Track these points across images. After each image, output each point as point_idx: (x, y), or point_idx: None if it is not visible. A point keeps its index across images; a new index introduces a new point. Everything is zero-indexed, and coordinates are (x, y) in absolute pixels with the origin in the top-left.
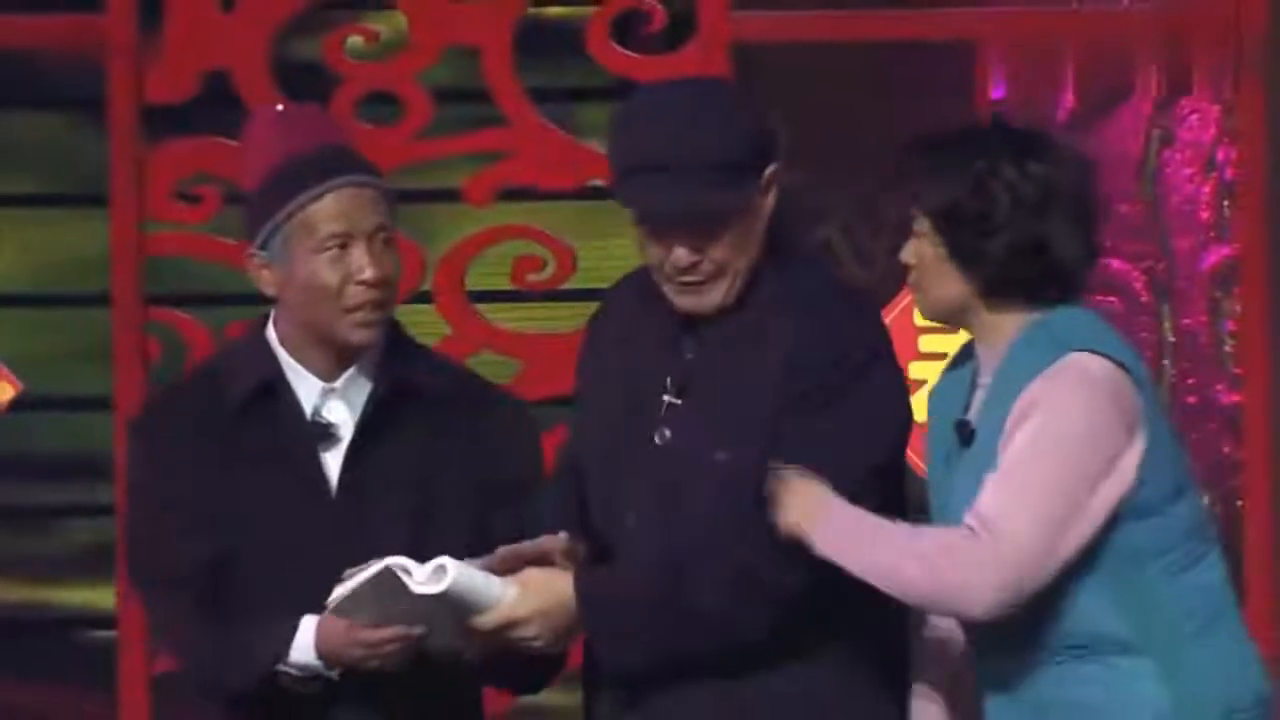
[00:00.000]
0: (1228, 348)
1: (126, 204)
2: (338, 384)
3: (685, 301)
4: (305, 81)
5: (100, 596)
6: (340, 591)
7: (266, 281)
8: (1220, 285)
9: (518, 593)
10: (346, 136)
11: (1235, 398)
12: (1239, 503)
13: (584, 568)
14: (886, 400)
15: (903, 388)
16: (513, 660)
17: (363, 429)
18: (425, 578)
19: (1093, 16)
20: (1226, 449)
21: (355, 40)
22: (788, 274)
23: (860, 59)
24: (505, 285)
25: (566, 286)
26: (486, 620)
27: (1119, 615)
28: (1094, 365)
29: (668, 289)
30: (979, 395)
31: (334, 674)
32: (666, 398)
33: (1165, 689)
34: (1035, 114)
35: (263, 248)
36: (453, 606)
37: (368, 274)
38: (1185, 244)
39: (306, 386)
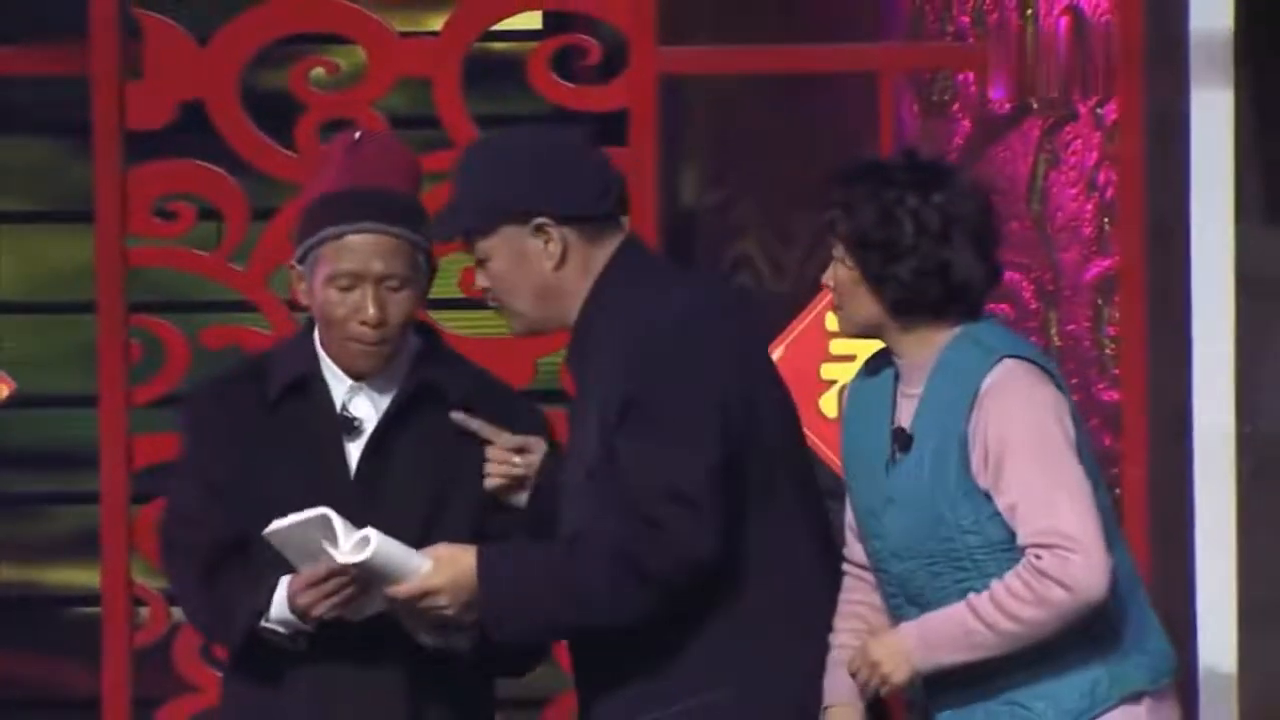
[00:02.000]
0: (1108, 351)
1: (110, 220)
2: (365, 382)
3: None
4: (272, 109)
5: (85, 576)
6: (277, 524)
7: (300, 291)
8: (1101, 294)
9: (431, 565)
10: (407, 177)
11: (1115, 396)
12: (1118, 491)
13: (488, 545)
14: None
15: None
16: (500, 648)
17: (384, 424)
18: (350, 546)
19: (983, 49)
20: (1107, 442)
21: (318, 71)
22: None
23: (777, 88)
24: (455, 293)
25: None
26: (401, 590)
27: None
28: (1026, 367)
29: None
30: (908, 404)
31: (309, 627)
32: None
33: (1097, 658)
34: (935, 139)
35: (300, 261)
36: (372, 575)
37: (367, 315)
38: (1070, 257)
39: (338, 382)
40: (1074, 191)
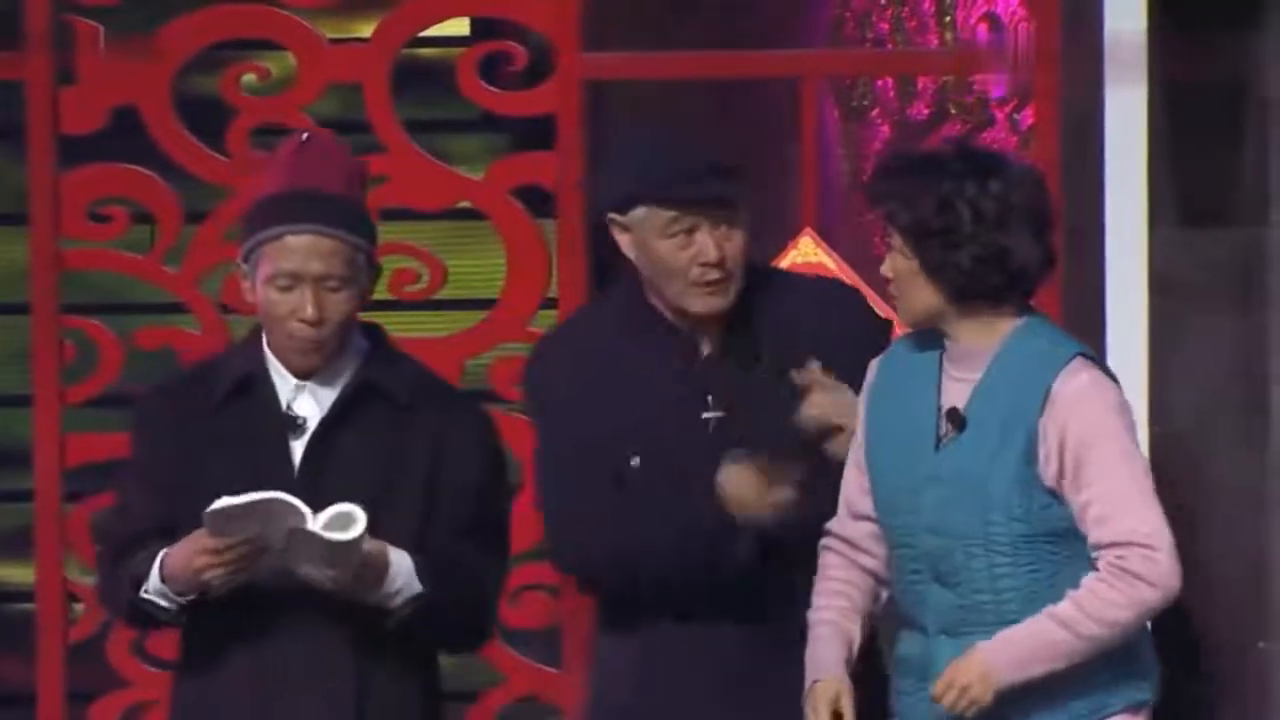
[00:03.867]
0: None
1: (45, 223)
2: (311, 381)
3: (706, 303)
4: (204, 114)
5: (20, 573)
6: (221, 503)
7: (244, 290)
8: None
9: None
10: (350, 179)
11: None
12: None
13: None
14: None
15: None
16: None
17: (327, 421)
18: (327, 520)
19: (904, 55)
20: None
21: (249, 77)
22: None
23: (701, 94)
24: (384, 295)
25: (439, 297)
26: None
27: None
28: (1098, 369)
29: (689, 294)
30: (958, 387)
31: (181, 600)
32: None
33: (1106, 669)
34: (856, 144)
35: (245, 260)
36: (327, 552)
37: (305, 314)
38: None
39: (284, 382)
40: None
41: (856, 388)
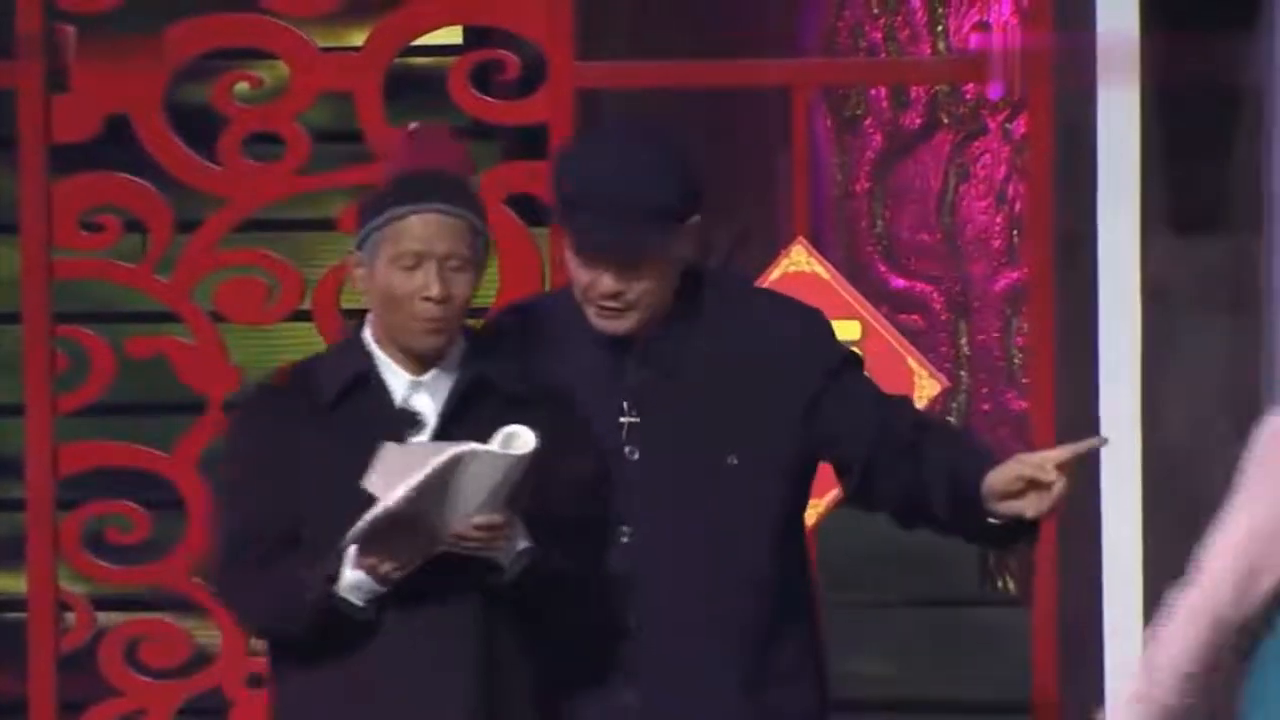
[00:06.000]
0: (1017, 361)
1: (36, 232)
2: (425, 378)
3: (604, 324)
4: (197, 123)
5: (12, 582)
6: (403, 491)
7: (357, 278)
8: (1010, 305)
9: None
10: (465, 163)
11: (1023, 405)
12: None
13: None
14: None
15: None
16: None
17: (445, 418)
18: (499, 447)
19: (896, 65)
20: (1016, 450)
21: (242, 86)
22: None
23: (694, 103)
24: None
25: None
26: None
27: None
28: None
29: (590, 310)
30: None
31: (384, 588)
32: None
33: None
34: (849, 153)
35: (360, 248)
36: (510, 467)
37: (431, 292)
38: (980, 269)
39: (396, 380)
40: (984, 205)
41: (768, 408)
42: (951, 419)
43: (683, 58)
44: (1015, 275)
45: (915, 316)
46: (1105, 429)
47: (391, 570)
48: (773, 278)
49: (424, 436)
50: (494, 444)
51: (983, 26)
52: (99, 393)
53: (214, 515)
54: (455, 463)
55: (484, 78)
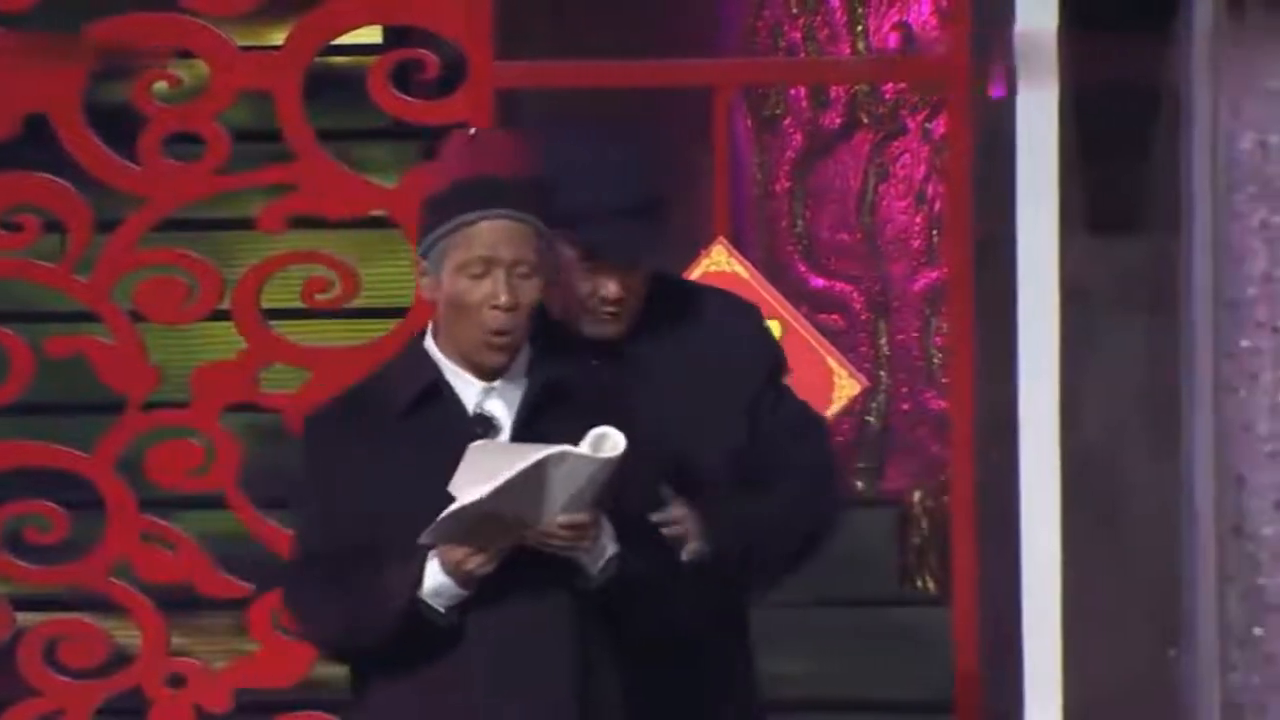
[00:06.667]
0: (936, 360)
1: None
2: (496, 384)
3: (599, 330)
4: (116, 122)
5: None
6: (490, 487)
7: (424, 286)
8: (930, 305)
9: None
10: (525, 167)
11: (943, 404)
12: (945, 496)
13: None
14: None
15: None
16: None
17: (520, 423)
18: (587, 448)
19: (816, 64)
20: (935, 449)
21: (161, 85)
22: None
23: (616, 103)
24: (296, 304)
25: (351, 305)
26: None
27: None
28: None
29: (585, 318)
30: None
31: (468, 591)
32: None
33: None
34: (769, 153)
35: (425, 255)
36: (597, 471)
37: (501, 300)
38: (899, 269)
39: (467, 387)
40: (903, 204)
41: (732, 405)
42: (872, 419)
43: (603, 57)
44: (935, 275)
45: (835, 316)
46: (1024, 428)
47: (476, 567)
48: (693, 277)
49: (501, 441)
50: (584, 446)
51: (902, 27)
52: (18, 392)
53: (291, 536)
54: (544, 465)
55: (404, 77)
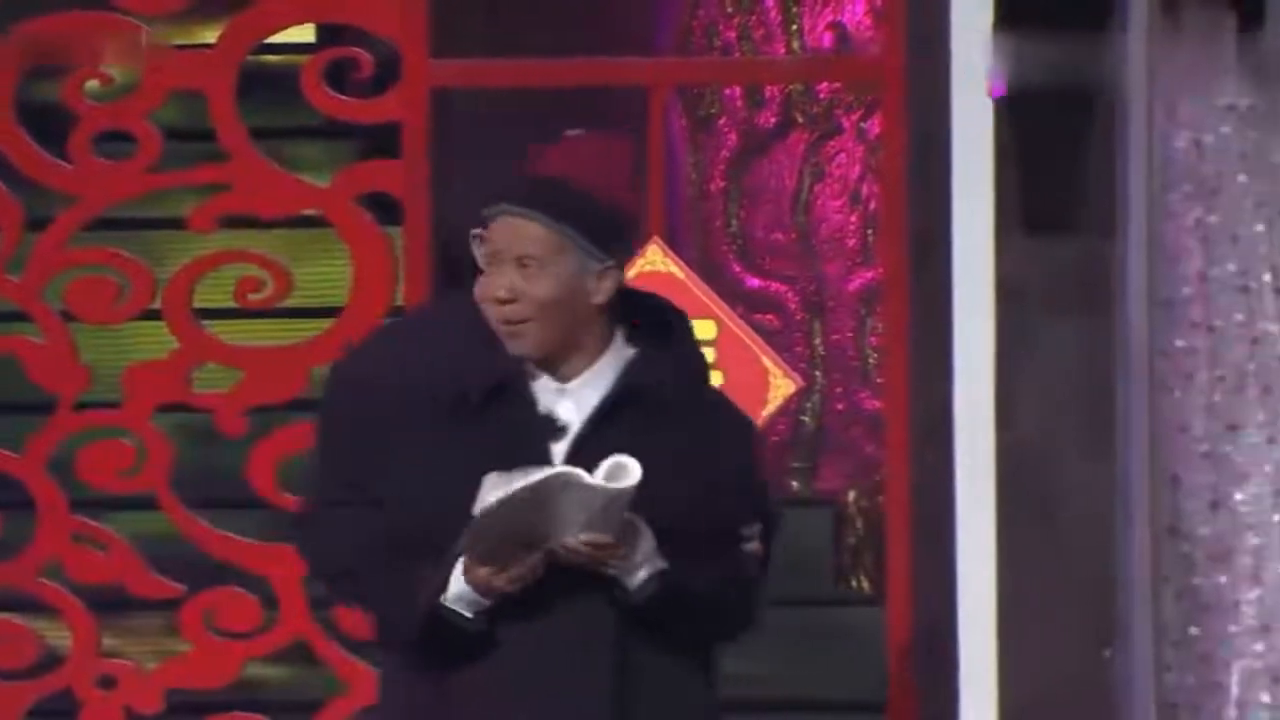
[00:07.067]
0: (871, 360)
1: None
2: (570, 385)
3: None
4: (48, 120)
5: None
6: (500, 494)
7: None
8: (865, 304)
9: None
10: (619, 174)
11: (878, 404)
12: (881, 496)
13: None
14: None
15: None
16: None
17: (589, 425)
18: (605, 474)
19: (750, 64)
20: (870, 449)
21: (93, 84)
22: None
23: (552, 102)
24: (229, 304)
25: (284, 305)
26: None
27: None
28: None
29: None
30: None
31: (489, 601)
32: None
33: None
34: (704, 153)
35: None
36: (608, 501)
37: (498, 293)
38: (834, 268)
39: (542, 387)
40: (838, 204)
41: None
42: (807, 419)
43: (539, 56)
44: (870, 275)
45: (770, 316)
46: (959, 428)
47: (502, 584)
48: (628, 277)
49: (564, 445)
50: (599, 473)
51: (837, 27)
52: None
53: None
54: (548, 486)
55: (338, 76)
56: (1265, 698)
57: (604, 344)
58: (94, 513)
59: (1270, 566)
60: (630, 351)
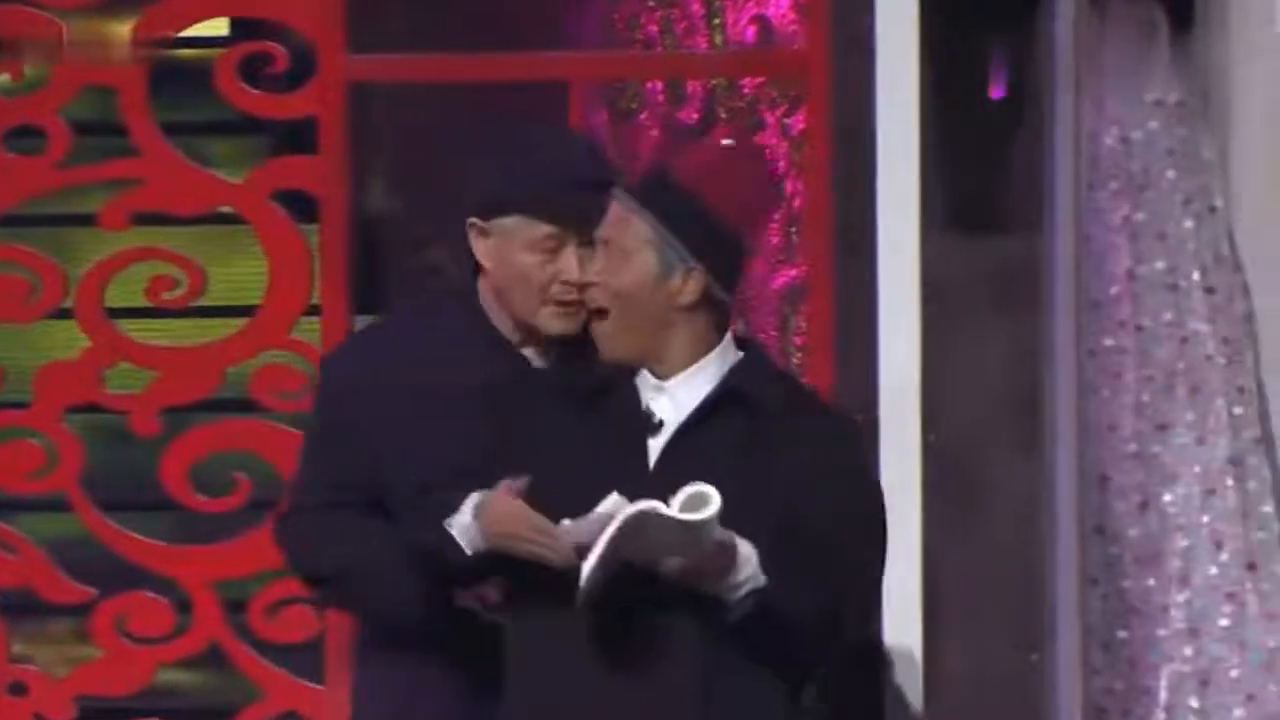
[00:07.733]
0: (795, 359)
1: None
2: (669, 383)
3: (563, 325)
4: None
5: None
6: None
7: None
8: (789, 303)
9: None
10: (736, 192)
11: None
12: None
13: None
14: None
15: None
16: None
17: (687, 423)
18: (682, 501)
19: (672, 58)
20: None
21: (3, 78)
22: None
23: (471, 97)
24: (142, 302)
25: (198, 303)
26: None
27: None
28: None
29: (545, 314)
30: None
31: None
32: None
33: None
34: (623, 147)
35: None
36: (684, 530)
37: (586, 276)
38: (758, 266)
39: (644, 382)
40: None
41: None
42: None
43: (458, 51)
44: (794, 273)
45: None
46: (885, 428)
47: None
48: None
49: (660, 440)
50: (676, 502)
51: (760, 21)
52: None
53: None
54: (629, 525)
55: (252, 70)
56: (1194, 702)
57: (704, 346)
58: (3, 515)
59: (1199, 569)
60: (736, 356)
